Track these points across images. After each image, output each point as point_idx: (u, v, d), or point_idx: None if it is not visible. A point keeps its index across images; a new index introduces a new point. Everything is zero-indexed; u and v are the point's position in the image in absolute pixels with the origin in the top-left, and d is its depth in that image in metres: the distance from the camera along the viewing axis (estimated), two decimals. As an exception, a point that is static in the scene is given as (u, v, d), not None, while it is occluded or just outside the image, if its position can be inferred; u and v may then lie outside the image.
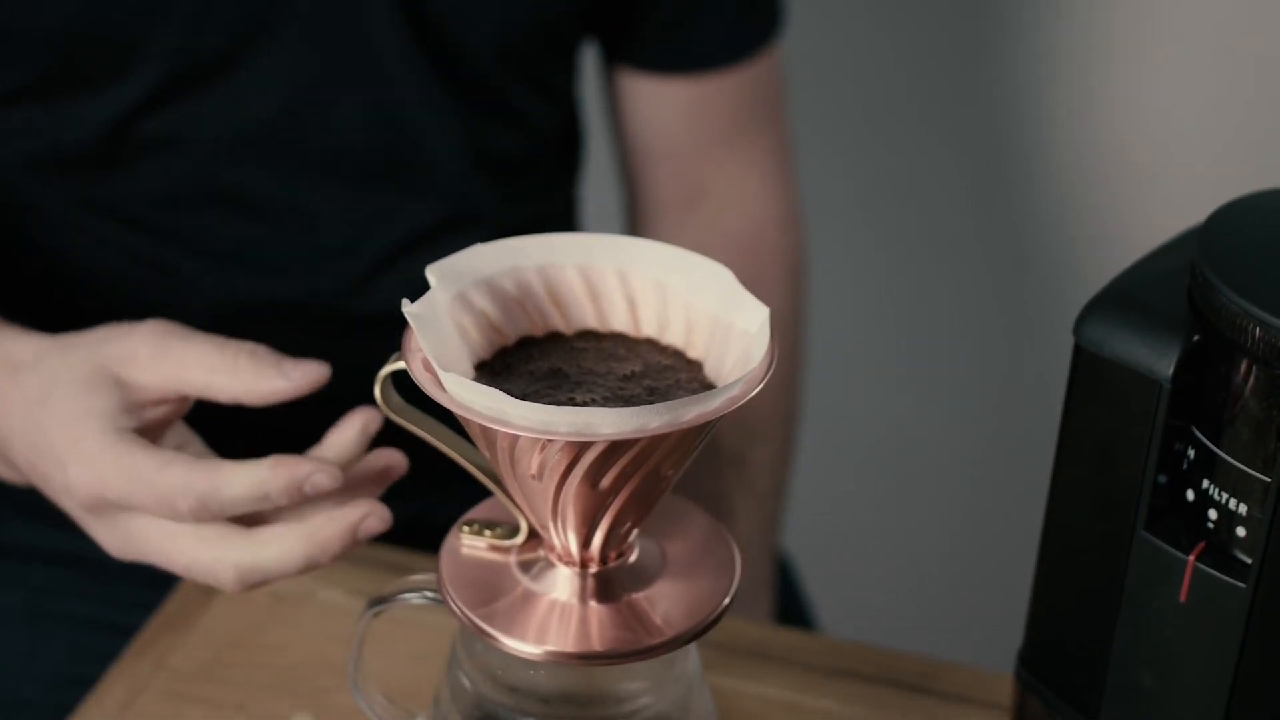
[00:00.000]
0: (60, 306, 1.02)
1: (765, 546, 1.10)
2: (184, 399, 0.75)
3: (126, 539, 0.75)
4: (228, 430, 1.04)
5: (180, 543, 0.73)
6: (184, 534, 0.73)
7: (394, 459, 0.75)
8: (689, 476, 1.05)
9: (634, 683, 0.70)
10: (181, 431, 0.79)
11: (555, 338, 0.69)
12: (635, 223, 1.14)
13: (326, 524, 0.72)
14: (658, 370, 0.67)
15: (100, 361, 0.75)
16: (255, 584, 0.73)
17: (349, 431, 0.74)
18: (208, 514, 0.72)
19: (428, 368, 0.63)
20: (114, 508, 0.74)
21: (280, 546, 0.72)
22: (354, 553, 0.94)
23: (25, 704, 0.95)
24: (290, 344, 1.02)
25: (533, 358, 0.67)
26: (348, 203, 1.00)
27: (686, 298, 0.67)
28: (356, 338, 1.03)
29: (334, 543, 0.72)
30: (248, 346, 0.74)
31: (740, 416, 1.09)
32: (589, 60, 1.14)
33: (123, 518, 0.74)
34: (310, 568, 0.73)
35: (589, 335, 0.69)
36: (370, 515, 0.72)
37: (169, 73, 0.94)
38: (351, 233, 1.01)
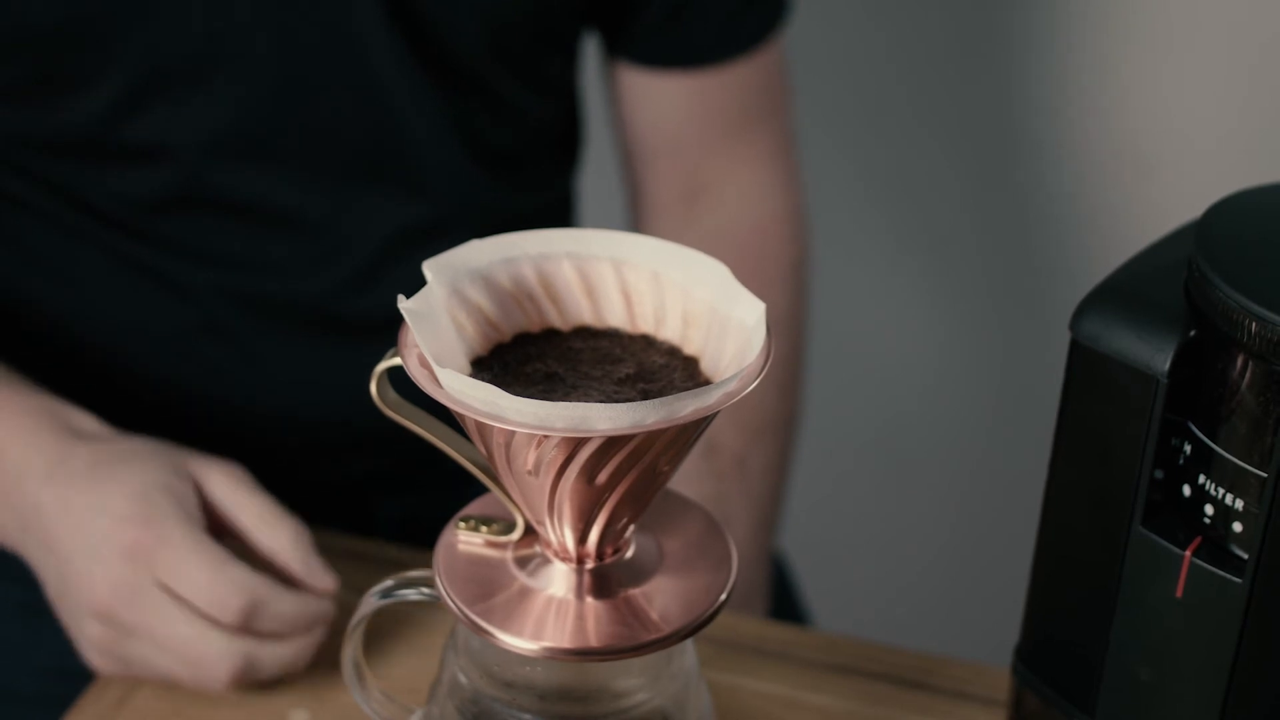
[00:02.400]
0: (49, 308, 1.01)
1: (761, 551, 1.09)
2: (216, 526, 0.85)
3: (129, 612, 0.81)
4: (231, 426, 1.04)
5: (186, 628, 0.81)
6: (193, 620, 0.81)
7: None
8: (688, 479, 1.05)
9: (631, 679, 0.70)
10: None
11: (551, 334, 0.69)
12: (636, 218, 1.13)
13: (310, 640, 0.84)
14: (652, 372, 0.66)
15: (184, 457, 0.85)
16: (248, 676, 0.82)
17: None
18: (249, 617, 0.81)
19: (424, 364, 0.63)
20: (133, 583, 0.81)
21: (277, 649, 0.83)
22: (350, 549, 0.95)
23: (20, 696, 0.95)
24: (285, 344, 1.02)
25: (529, 356, 0.67)
26: (339, 201, 0.99)
27: (684, 289, 0.67)
28: (350, 336, 1.02)
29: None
30: (295, 524, 0.84)
31: (741, 419, 1.09)
32: (589, 51, 1.14)
33: (136, 601, 0.81)
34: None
35: (585, 332, 0.69)
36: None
37: (147, 75, 0.93)
38: (344, 231, 1.00)
